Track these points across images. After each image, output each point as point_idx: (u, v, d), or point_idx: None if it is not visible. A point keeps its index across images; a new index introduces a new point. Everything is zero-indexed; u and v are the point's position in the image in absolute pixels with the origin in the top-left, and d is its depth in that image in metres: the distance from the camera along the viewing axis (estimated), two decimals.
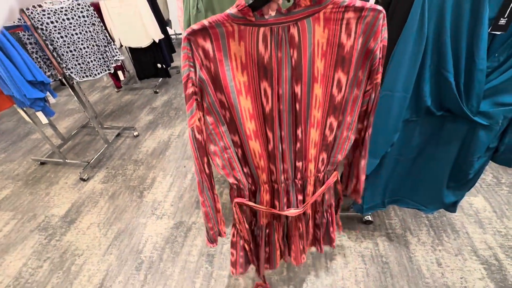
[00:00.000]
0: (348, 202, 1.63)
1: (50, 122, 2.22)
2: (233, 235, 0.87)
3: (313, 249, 1.38)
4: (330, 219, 0.95)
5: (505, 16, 0.62)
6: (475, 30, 0.65)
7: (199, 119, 0.59)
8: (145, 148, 2.26)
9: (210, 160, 0.67)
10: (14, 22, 1.64)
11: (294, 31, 0.51)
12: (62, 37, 1.77)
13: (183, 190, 1.83)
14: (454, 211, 1.15)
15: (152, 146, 2.28)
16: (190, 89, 0.55)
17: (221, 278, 1.32)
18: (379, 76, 0.60)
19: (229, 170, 0.68)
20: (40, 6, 1.65)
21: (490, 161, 0.99)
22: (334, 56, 0.56)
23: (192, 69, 0.53)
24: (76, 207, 1.78)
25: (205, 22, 0.48)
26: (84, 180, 1.97)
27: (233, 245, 0.89)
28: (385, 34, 0.55)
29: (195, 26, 0.49)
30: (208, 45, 0.51)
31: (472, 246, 1.37)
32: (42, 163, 2.19)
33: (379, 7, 0.52)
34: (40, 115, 1.52)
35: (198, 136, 0.60)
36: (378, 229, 1.48)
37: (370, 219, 1.48)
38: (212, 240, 0.80)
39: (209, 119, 0.61)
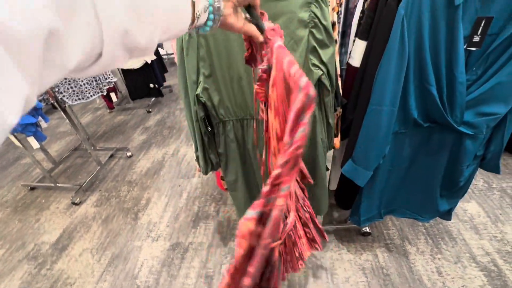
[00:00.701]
0: (344, 214, 1.63)
1: (41, 146, 2.19)
2: None
3: (314, 263, 1.37)
4: (310, 210, 0.96)
5: (478, 33, 0.67)
6: (452, 47, 0.69)
7: None
8: (139, 168, 2.24)
9: None
10: None
11: None
12: None
13: (178, 209, 1.80)
14: (449, 218, 1.17)
15: (146, 166, 2.25)
16: None
17: None
18: None
19: None
20: None
21: (480, 168, 1.02)
22: None
23: None
24: (68, 233, 1.72)
25: None
26: (76, 204, 1.93)
27: None
28: None
29: None
30: None
31: (470, 253, 1.37)
32: (32, 188, 2.13)
33: None
34: (31, 140, 1.51)
35: None
36: (377, 240, 1.48)
37: (368, 230, 1.48)
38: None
39: None
